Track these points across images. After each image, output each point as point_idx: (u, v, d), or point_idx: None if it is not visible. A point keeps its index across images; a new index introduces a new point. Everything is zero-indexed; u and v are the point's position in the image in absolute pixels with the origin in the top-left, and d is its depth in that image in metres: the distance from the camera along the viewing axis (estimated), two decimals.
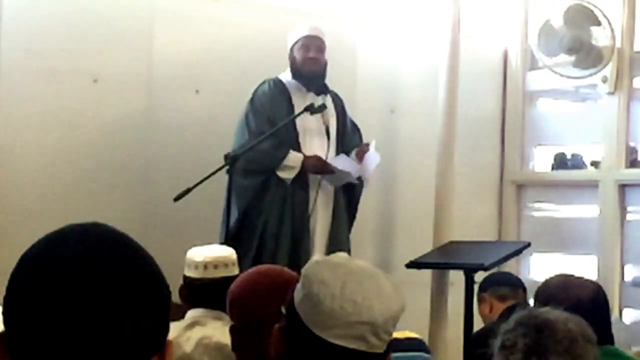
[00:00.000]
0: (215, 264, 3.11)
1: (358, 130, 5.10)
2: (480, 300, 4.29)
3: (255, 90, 4.85)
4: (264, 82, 4.87)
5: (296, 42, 4.86)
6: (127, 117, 5.03)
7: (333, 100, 4.98)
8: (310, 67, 4.83)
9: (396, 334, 2.89)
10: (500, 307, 4.07)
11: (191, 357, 2.92)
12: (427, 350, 2.99)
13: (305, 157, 4.75)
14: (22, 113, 4.79)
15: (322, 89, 4.89)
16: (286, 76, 4.89)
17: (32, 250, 1.11)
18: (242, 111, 4.81)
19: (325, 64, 4.88)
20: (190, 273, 3.13)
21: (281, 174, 4.73)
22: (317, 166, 4.75)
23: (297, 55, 4.84)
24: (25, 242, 1.14)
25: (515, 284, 4.22)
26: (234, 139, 4.78)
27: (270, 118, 4.75)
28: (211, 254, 3.16)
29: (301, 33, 4.88)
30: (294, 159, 4.74)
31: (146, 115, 5.07)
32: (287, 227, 4.70)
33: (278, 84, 4.86)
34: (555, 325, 2.00)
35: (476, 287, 4.78)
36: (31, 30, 4.79)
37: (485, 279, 4.39)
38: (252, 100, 4.82)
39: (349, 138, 5.00)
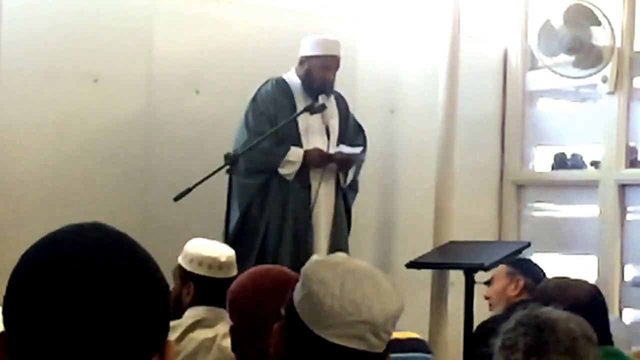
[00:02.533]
0: (229, 265, 3.09)
1: (362, 131, 5.10)
2: (511, 277, 4.11)
3: (259, 90, 4.85)
4: (267, 82, 4.87)
5: (315, 56, 4.82)
6: (127, 117, 5.03)
7: (337, 101, 4.99)
8: (327, 87, 4.85)
9: (397, 335, 2.88)
10: (524, 297, 3.97)
11: (193, 358, 2.91)
12: (428, 351, 2.99)
13: (306, 151, 4.77)
14: (22, 113, 4.79)
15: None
16: (290, 76, 4.88)
17: (32, 250, 1.11)
18: (244, 110, 4.82)
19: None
20: (203, 272, 3.06)
21: (283, 171, 4.75)
22: (318, 158, 4.77)
23: (315, 72, 4.81)
24: (25, 242, 1.14)
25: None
26: (235, 137, 4.79)
27: (272, 118, 4.76)
28: (228, 252, 3.12)
29: (321, 49, 4.84)
30: (295, 154, 4.76)
31: (146, 115, 5.07)
32: (289, 227, 4.72)
33: (281, 83, 4.86)
34: (556, 325, 2.00)
35: (476, 287, 4.78)
36: (31, 30, 4.79)
37: (533, 266, 4.21)
38: (254, 99, 4.83)
39: (350, 138, 5.01)
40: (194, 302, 3.08)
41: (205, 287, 3.06)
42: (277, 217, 4.73)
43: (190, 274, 3.09)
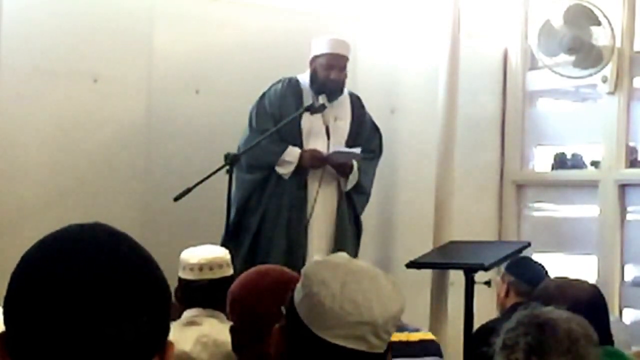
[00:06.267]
0: (211, 266, 3.16)
1: (378, 130, 5.10)
2: (501, 278, 4.12)
3: (269, 88, 4.86)
4: (279, 81, 4.87)
5: (319, 55, 4.82)
6: (127, 117, 5.03)
7: (351, 101, 4.99)
8: (331, 86, 4.82)
9: (410, 336, 2.84)
10: (514, 299, 3.98)
11: (190, 355, 2.94)
12: (440, 354, 2.92)
13: (302, 151, 4.76)
14: (22, 113, 4.78)
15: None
16: (304, 77, 4.87)
17: (32, 251, 1.11)
18: (245, 110, 4.84)
19: (345, 78, 4.88)
20: (186, 275, 3.16)
21: (279, 170, 4.75)
22: (310, 159, 4.75)
23: (320, 71, 4.81)
24: (26, 242, 1.14)
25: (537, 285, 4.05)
26: (241, 135, 4.81)
27: (277, 117, 4.76)
28: (206, 255, 3.20)
29: (326, 47, 4.83)
30: (291, 153, 4.75)
31: (146, 115, 5.07)
32: (283, 227, 4.70)
33: (294, 83, 4.85)
34: (556, 325, 2.00)
35: (476, 287, 4.78)
36: (31, 30, 4.79)
37: (518, 265, 4.20)
38: (262, 97, 4.84)
39: (364, 138, 4.99)
40: (185, 305, 3.17)
41: (185, 290, 3.16)
42: (271, 216, 4.72)
43: (179, 279, 3.20)
